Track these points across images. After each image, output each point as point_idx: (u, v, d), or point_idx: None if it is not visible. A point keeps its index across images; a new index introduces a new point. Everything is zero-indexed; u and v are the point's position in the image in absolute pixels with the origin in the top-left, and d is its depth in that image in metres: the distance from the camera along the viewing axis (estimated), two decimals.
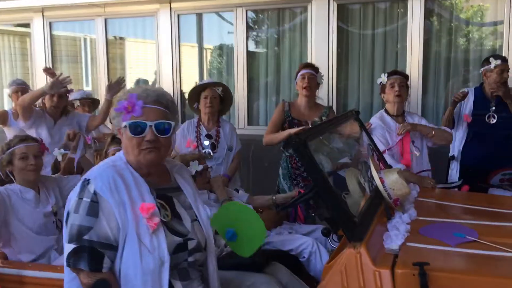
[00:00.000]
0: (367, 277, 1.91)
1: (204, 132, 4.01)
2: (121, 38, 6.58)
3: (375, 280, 1.89)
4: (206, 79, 5.74)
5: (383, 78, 3.67)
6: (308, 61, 5.47)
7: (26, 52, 7.12)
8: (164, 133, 1.73)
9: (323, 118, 3.96)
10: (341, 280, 1.94)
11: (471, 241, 2.18)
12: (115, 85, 4.03)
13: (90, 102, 5.05)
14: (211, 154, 3.89)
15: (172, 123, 1.76)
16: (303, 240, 3.01)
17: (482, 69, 4.07)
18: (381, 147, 3.42)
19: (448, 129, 3.87)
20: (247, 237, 2.07)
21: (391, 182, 2.56)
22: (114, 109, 1.75)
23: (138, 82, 6.53)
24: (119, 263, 1.61)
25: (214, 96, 3.96)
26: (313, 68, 4.01)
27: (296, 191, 3.32)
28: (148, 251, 1.60)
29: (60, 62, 6.78)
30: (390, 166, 3.22)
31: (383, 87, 3.70)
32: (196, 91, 4.04)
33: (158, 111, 1.73)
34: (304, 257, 2.97)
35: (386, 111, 3.72)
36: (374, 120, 3.67)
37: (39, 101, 4.21)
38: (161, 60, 6.04)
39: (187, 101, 4.24)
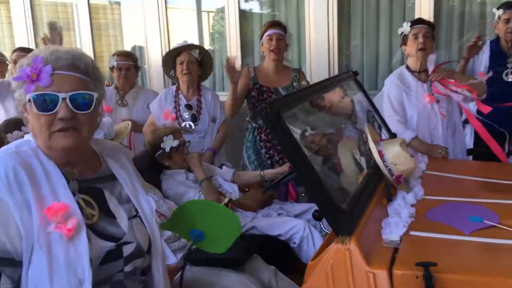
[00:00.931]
0: (358, 280, 1.51)
1: (183, 102, 3.56)
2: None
3: (368, 283, 1.50)
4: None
5: (405, 27, 3.15)
6: (306, 22, 4.98)
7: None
8: (84, 107, 1.32)
9: (295, 84, 3.51)
10: (326, 283, 1.55)
11: (490, 227, 1.77)
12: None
13: None
14: (192, 127, 3.48)
15: (94, 94, 1.34)
16: (294, 224, 2.62)
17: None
18: (390, 112, 2.97)
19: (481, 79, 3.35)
20: (217, 233, 1.68)
21: (393, 155, 2.14)
22: (13, 78, 1.34)
23: (133, 49, 6.04)
24: (25, 283, 1.23)
25: (191, 60, 3.49)
26: (281, 27, 3.53)
27: (287, 166, 2.91)
28: (61, 267, 1.21)
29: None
30: (395, 136, 2.78)
31: (404, 38, 3.18)
32: (171, 56, 3.59)
33: (74, 79, 1.31)
34: (294, 242, 2.60)
35: (407, 67, 3.21)
36: (390, 78, 3.18)
37: None
38: (147, 25, 5.57)
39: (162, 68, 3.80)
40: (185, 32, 5.77)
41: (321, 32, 4.95)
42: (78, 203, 1.30)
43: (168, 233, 2.24)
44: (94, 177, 1.40)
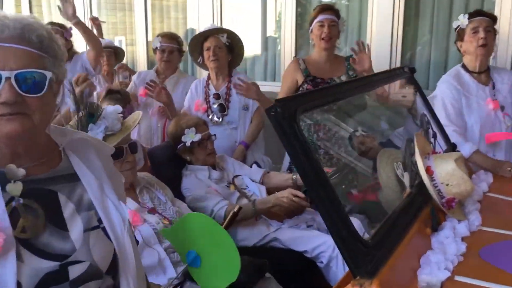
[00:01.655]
0: None
1: (212, 91, 3.27)
2: None
3: None
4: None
5: (462, 20, 2.67)
6: (369, 10, 4.52)
7: None
8: (34, 89, 1.04)
9: (350, 73, 3.10)
10: None
11: None
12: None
13: (111, 51, 4.45)
14: (220, 119, 3.17)
15: (48, 73, 1.06)
16: (323, 240, 2.26)
17: None
18: (445, 121, 2.51)
19: None
20: (213, 266, 1.41)
21: (445, 173, 1.73)
22: None
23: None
24: None
25: (219, 45, 3.16)
26: (334, 11, 3.10)
27: (329, 169, 2.54)
28: None
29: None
30: (454, 147, 2.34)
31: (460, 33, 2.70)
32: (198, 42, 3.28)
33: (23, 53, 1.03)
34: (322, 262, 2.24)
35: (464, 66, 2.73)
36: (445, 80, 2.71)
37: None
38: (200, 8, 5.32)
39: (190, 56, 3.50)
40: (239, 20, 5.47)
41: (385, 23, 4.47)
42: (14, 210, 1.03)
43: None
44: (48, 177, 1.12)
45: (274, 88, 4.54)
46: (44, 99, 1.06)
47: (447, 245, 1.50)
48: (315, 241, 2.28)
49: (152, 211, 2.04)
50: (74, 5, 3.35)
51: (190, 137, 2.53)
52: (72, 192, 1.15)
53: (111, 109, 1.95)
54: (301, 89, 3.08)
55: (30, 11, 6.77)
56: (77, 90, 2.30)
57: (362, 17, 4.67)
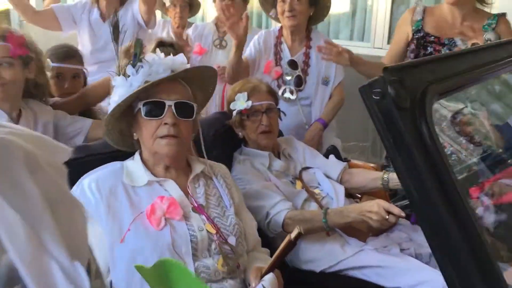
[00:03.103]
0: None
1: (286, 55, 2.50)
2: None
3: None
4: None
5: None
6: None
7: None
8: None
9: (486, 37, 2.18)
10: None
11: None
12: None
13: (186, 2, 3.57)
14: (293, 95, 2.42)
15: None
16: (427, 276, 1.53)
17: None
18: None
19: None
20: None
21: None
22: None
23: None
24: None
25: None
26: None
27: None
28: None
29: None
30: None
31: None
32: None
33: None
34: None
35: None
36: None
37: None
38: None
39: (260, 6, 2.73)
40: None
41: None
42: None
43: None
44: None
45: (362, 50, 3.72)
46: None
47: None
48: (415, 276, 1.55)
49: (199, 209, 1.41)
50: None
51: (239, 104, 1.87)
52: None
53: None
54: (408, 49, 2.28)
55: None
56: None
57: None
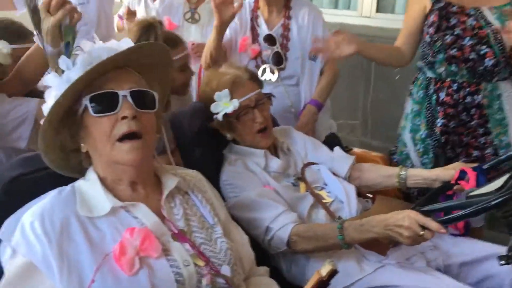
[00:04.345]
0: None
1: (263, 30, 2.16)
2: None
3: None
4: None
5: None
6: None
7: None
8: None
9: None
10: None
11: None
12: None
13: None
14: (274, 76, 2.10)
15: None
16: None
17: None
18: None
19: None
20: None
21: None
22: None
23: None
24: None
25: None
26: None
27: (458, 168, 1.49)
28: None
29: None
30: None
31: None
32: None
33: None
34: None
35: None
36: None
37: None
38: None
39: None
40: None
41: None
42: None
43: None
44: None
45: (347, 19, 3.39)
46: None
47: None
48: None
49: (180, 236, 1.09)
50: None
51: (223, 106, 1.55)
52: None
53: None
54: (426, 24, 1.94)
55: None
56: (51, 20, 1.29)
57: None
